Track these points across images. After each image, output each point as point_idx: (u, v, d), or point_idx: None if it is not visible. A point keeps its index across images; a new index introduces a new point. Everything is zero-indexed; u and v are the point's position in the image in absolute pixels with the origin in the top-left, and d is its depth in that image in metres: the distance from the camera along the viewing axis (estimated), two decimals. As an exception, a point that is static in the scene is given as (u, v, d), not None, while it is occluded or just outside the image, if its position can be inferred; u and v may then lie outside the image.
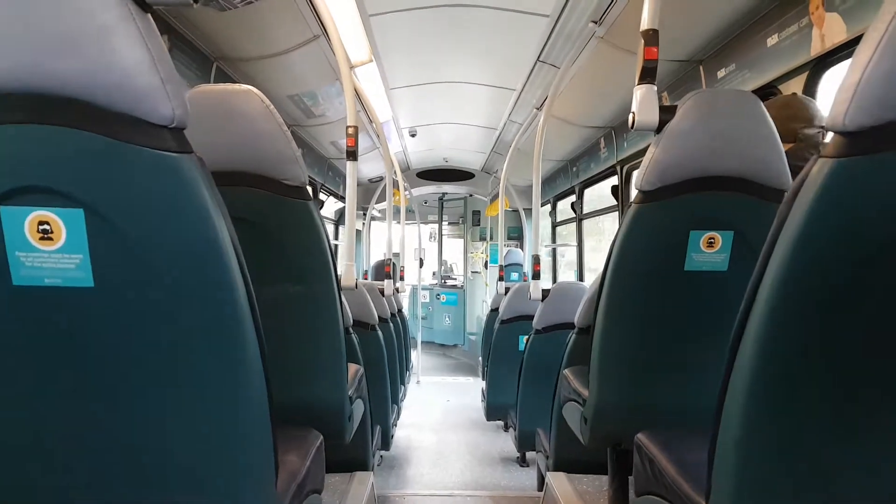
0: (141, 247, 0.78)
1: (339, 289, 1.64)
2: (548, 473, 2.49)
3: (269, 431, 0.95)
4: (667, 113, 1.39)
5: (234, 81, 3.33)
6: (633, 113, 1.41)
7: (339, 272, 2.03)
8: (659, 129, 1.41)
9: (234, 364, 0.86)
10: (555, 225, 7.14)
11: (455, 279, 10.39)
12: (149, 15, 0.76)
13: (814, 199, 0.72)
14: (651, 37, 1.44)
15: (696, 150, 1.37)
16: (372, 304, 3.38)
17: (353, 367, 1.97)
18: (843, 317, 0.76)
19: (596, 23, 2.91)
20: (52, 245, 0.77)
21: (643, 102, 1.41)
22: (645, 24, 1.45)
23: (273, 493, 0.98)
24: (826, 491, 0.85)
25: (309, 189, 1.50)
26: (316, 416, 1.61)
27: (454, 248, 10.66)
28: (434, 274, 10.57)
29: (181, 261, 0.80)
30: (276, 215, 1.44)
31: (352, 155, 2.26)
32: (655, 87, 1.43)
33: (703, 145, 1.37)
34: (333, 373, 1.63)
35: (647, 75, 1.44)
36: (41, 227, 0.76)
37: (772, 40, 2.44)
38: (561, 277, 7.32)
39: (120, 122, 0.74)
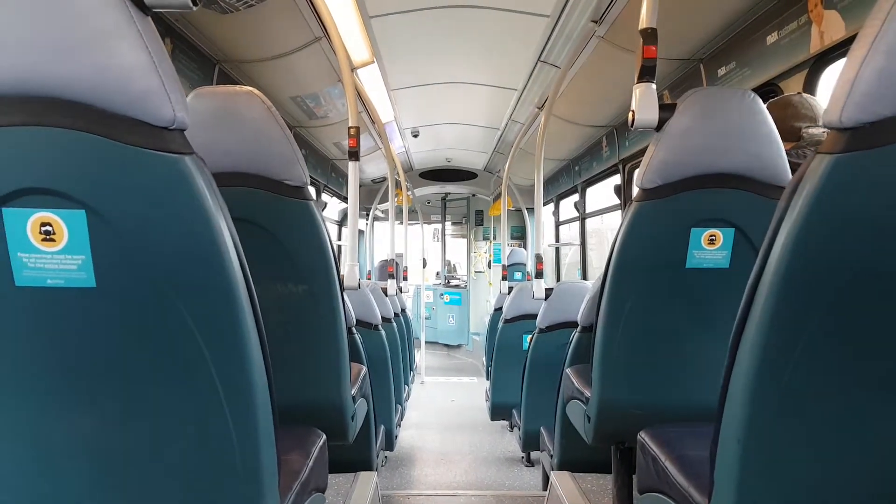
0: (142, 247, 0.79)
1: (342, 289, 1.64)
2: (552, 472, 2.49)
3: (272, 432, 0.95)
4: (666, 111, 1.40)
5: (237, 83, 3.34)
6: (633, 111, 1.41)
7: (342, 272, 2.03)
8: (659, 128, 1.41)
9: (236, 364, 0.87)
10: (558, 224, 7.14)
11: (459, 279, 10.38)
12: (149, 17, 0.76)
13: (812, 195, 0.72)
14: (650, 35, 1.44)
15: (696, 147, 1.37)
16: (375, 304, 3.39)
17: (355, 367, 1.98)
18: (844, 311, 0.76)
19: (596, 22, 2.91)
20: (54, 246, 0.78)
21: (642, 101, 1.41)
22: (643, 22, 1.45)
23: (275, 493, 0.99)
24: (829, 488, 0.85)
25: (311, 189, 1.51)
26: (319, 416, 1.62)
27: (458, 248, 10.64)
28: (438, 274, 10.57)
29: (182, 261, 0.81)
30: (278, 216, 1.45)
31: (353, 155, 2.26)
32: (654, 86, 1.43)
33: (702, 143, 1.37)
34: (336, 372, 1.64)
35: (647, 74, 1.44)
36: (43, 229, 0.77)
37: (771, 38, 2.44)
38: (564, 277, 7.32)
39: (121, 124, 0.75)
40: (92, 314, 0.83)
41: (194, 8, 0.79)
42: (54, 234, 0.77)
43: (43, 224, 0.77)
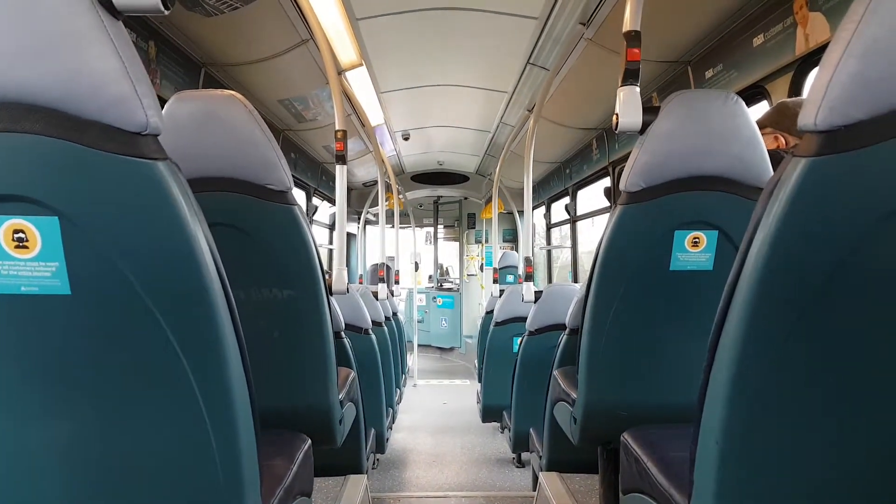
0: (117, 254, 0.78)
1: (330, 293, 1.63)
2: (540, 473, 2.49)
3: (253, 437, 0.95)
4: (650, 114, 1.40)
5: (223, 87, 3.33)
6: (617, 115, 1.41)
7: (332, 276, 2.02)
8: (642, 130, 1.41)
9: (214, 370, 0.86)
10: (549, 227, 7.15)
11: (451, 282, 10.37)
12: (120, 22, 0.76)
13: (788, 198, 0.73)
14: (633, 38, 1.44)
15: (680, 150, 1.38)
16: (365, 307, 3.38)
17: (344, 371, 1.97)
18: (819, 312, 0.76)
19: (584, 24, 2.93)
20: (27, 253, 0.77)
21: (626, 104, 1.41)
22: (627, 25, 1.45)
23: (257, 498, 0.98)
24: (805, 487, 0.85)
25: (294, 194, 1.50)
26: (306, 421, 1.61)
27: (450, 252, 10.65)
28: (430, 277, 10.56)
29: (157, 267, 0.80)
30: (261, 220, 1.44)
31: (341, 159, 2.25)
32: (638, 89, 1.43)
33: (686, 145, 1.37)
34: (322, 377, 1.63)
35: (630, 76, 1.44)
36: (16, 236, 0.76)
37: (758, 40, 2.46)
38: (556, 280, 7.33)
39: (93, 130, 0.74)
40: (67, 321, 0.82)
41: (166, 12, 0.79)
42: (27, 241, 0.77)
43: (16, 231, 0.76)
